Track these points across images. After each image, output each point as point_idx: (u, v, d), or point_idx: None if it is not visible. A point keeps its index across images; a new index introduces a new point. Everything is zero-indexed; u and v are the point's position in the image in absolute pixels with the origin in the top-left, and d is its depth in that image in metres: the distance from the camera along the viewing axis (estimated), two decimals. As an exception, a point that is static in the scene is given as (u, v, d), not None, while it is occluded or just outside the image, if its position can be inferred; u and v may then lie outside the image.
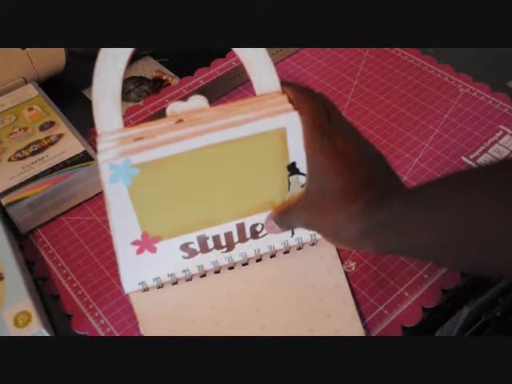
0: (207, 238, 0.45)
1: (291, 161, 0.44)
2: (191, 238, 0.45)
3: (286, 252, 0.47)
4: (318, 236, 0.47)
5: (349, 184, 0.38)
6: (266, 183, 0.45)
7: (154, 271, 0.46)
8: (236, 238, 0.46)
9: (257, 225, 0.46)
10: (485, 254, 0.31)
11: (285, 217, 0.44)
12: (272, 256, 0.47)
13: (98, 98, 0.42)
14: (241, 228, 0.46)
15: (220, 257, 0.46)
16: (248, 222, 0.46)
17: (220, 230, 0.45)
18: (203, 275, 0.47)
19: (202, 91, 0.65)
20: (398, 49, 0.67)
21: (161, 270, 0.46)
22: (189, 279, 0.46)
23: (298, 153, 0.44)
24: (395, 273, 0.47)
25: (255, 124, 0.42)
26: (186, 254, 0.46)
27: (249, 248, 0.47)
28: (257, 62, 0.44)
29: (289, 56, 0.68)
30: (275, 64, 0.66)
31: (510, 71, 0.63)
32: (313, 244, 0.48)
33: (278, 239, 0.47)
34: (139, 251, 0.45)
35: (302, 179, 0.45)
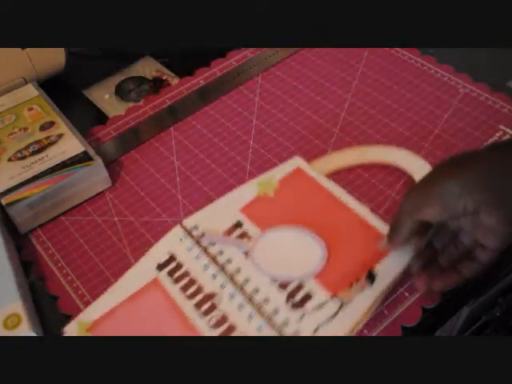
0: None
1: (376, 271, 0.45)
2: None
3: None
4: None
5: None
6: None
7: None
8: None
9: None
10: None
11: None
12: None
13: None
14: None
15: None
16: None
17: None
18: None
19: (202, 91, 0.65)
20: (398, 49, 0.67)
21: None
22: None
23: (384, 271, 0.45)
24: (395, 273, 0.47)
25: None
26: None
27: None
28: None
29: (289, 56, 0.68)
30: (275, 64, 0.67)
31: (510, 71, 0.63)
32: None
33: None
34: None
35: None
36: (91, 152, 0.53)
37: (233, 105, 0.63)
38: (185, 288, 0.46)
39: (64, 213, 0.54)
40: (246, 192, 0.52)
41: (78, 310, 0.46)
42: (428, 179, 0.41)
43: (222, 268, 0.46)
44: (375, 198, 0.52)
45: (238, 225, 0.49)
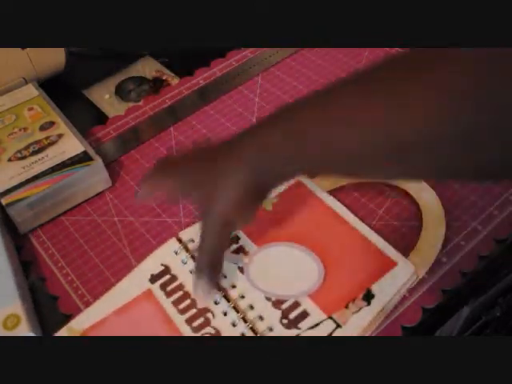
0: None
1: (373, 291, 0.44)
2: None
3: None
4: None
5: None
6: None
7: None
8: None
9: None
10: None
11: None
12: None
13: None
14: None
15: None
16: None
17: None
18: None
19: (201, 91, 0.65)
20: (398, 49, 0.67)
21: None
22: None
23: (382, 290, 0.44)
24: (395, 273, 0.47)
25: None
26: None
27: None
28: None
29: (289, 56, 0.68)
30: (275, 64, 0.67)
31: (510, 71, 0.63)
32: None
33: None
34: None
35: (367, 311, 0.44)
36: (91, 152, 0.53)
37: (233, 105, 0.63)
38: (178, 302, 0.45)
39: (64, 213, 0.54)
40: None
41: (78, 310, 0.46)
42: None
43: (217, 283, 0.46)
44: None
45: (235, 239, 0.49)
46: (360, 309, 0.43)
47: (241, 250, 0.48)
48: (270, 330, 0.43)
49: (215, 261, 0.42)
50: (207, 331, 0.43)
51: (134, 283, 0.47)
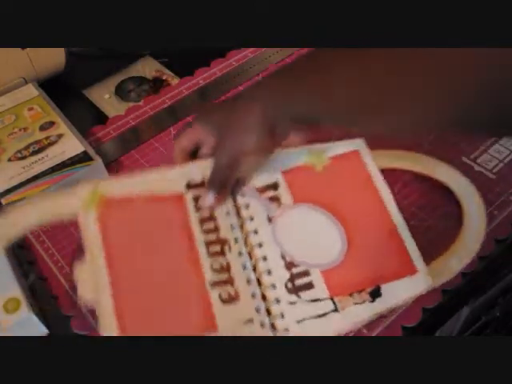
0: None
1: (382, 290, 0.43)
2: None
3: None
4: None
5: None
6: None
7: None
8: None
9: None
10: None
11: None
12: None
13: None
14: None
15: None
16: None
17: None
18: None
19: (202, 91, 0.65)
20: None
21: None
22: None
23: (391, 293, 0.43)
24: (395, 273, 0.46)
25: None
26: None
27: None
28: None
29: (289, 56, 0.68)
30: (275, 64, 0.67)
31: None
32: None
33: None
34: None
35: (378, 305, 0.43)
36: (91, 152, 0.53)
37: (233, 105, 0.63)
38: (203, 220, 0.44)
39: (64, 213, 0.54)
40: (294, 156, 0.48)
41: (79, 310, 0.46)
42: None
43: (242, 223, 0.44)
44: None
45: (274, 186, 0.47)
46: (363, 302, 0.42)
47: (276, 200, 0.46)
48: (274, 287, 0.42)
49: (224, 181, 0.43)
50: (219, 261, 0.42)
51: (171, 179, 0.45)
